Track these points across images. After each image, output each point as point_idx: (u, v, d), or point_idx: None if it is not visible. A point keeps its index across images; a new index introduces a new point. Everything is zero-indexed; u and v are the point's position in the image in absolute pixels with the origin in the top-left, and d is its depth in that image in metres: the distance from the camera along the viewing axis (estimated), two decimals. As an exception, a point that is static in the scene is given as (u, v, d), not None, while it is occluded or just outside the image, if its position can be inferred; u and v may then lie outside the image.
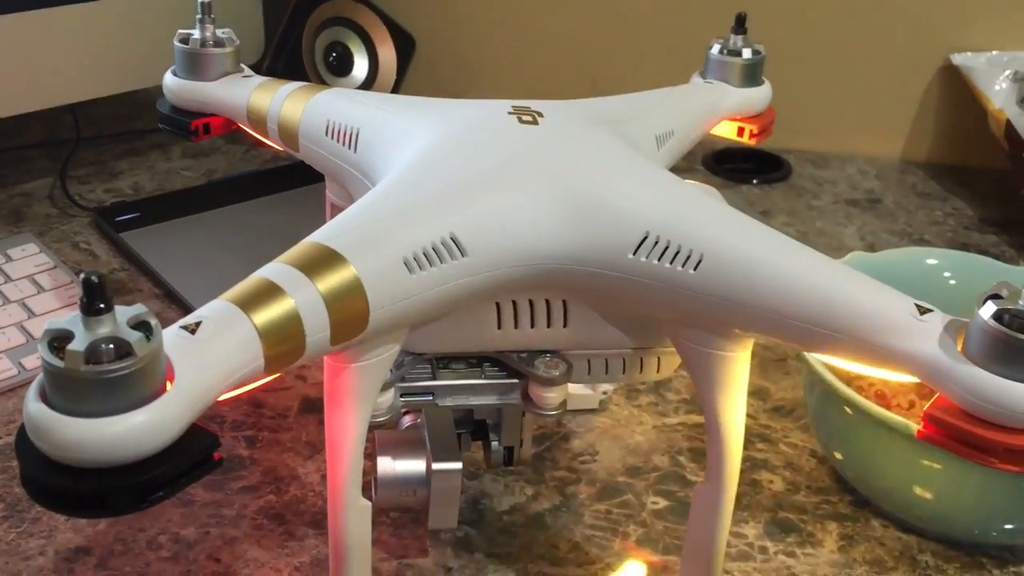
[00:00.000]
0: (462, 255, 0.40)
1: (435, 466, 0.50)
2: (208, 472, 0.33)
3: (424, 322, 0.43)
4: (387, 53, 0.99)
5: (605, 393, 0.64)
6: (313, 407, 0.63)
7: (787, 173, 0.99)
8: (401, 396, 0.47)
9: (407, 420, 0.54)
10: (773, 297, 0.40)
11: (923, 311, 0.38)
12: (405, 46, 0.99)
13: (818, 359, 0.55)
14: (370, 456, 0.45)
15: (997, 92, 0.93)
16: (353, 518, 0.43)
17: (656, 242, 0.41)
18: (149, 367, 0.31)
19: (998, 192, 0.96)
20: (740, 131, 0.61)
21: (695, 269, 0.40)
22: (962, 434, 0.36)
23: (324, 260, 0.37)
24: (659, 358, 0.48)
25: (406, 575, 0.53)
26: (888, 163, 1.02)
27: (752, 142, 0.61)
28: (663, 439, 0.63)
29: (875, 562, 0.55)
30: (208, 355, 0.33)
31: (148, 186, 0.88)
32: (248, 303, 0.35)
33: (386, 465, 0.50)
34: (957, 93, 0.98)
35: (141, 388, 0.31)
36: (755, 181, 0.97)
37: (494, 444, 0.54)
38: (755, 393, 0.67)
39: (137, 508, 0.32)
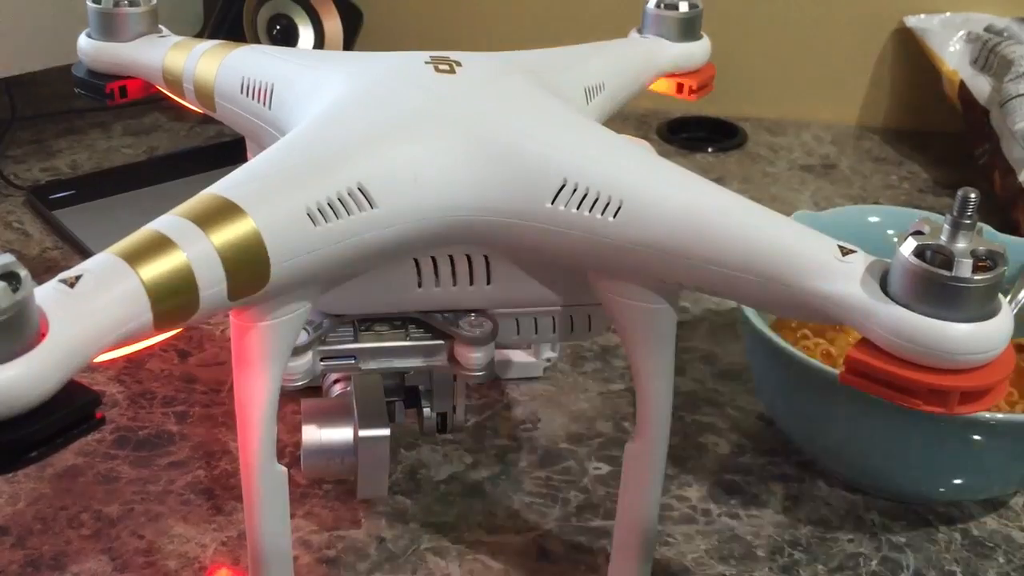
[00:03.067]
0: (371, 206, 0.38)
1: (361, 433, 0.48)
2: (88, 432, 0.31)
3: (336, 279, 0.41)
4: (333, 25, 0.96)
5: (549, 360, 0.63)
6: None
7: (742, 141, 0.98)
8: (322, 360, 0.45)
9: (338, 388, 0.53)
10: (694, 243, 0.38)
11: (845, 252, 0.37)
12: (351, 18, 0.97)
13: (759, 320, 0.54)
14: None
15: (951, 54, 0.92)
16: (267, 486, 0.41)
17: (575, 189, 0.39)
18: (16, 319, 0.29)
19: (953, 155, 0.95)
20: (679, 87, 0.59)
21: (614, 216, 0.39)
22: (885, 376, 0.34)
23: (220, 211, 0.36)
24: (589, 315, 0.47)
25: (337, 546, 0.51)
26: (844, 129, 1.01)
27: (691, 98, 0.60)
28: (607, 405, 0.61)
29: (820, 522, 0.54)
30: (87, 309, 0.31)
31: (87, 165, 0.86)
32: (135, 256, 0.33)
33: (311, 434, 0.49)
34: (912, 56, 0.97)
35: (9, 342, 0.29)
36: (710, 149, 0.96)
37: (426, 411, 0.52)
38: (704, 358, 0.66)
39: (9, 468, 0.30)
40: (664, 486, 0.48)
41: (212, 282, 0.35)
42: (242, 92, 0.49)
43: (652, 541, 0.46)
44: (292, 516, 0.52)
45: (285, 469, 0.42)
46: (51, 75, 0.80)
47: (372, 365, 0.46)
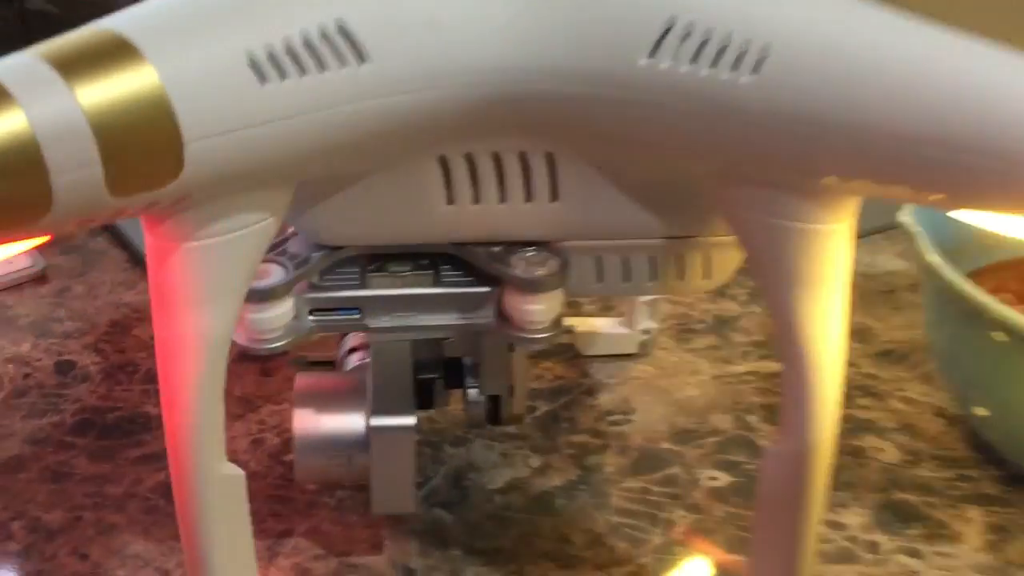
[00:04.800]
0: (359, 59, 0.24)
1: (373, 421, 0.34)
2: None
3: (313, 184, 0.27)
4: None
5: (646, 332, 0.48)
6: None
7: None
8: (311, 313, 0.31)
9: (354, 360, 0.39)
10: (887, 105, 0.23)
11: None
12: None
13: (951, 271, 0.38)
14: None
15: None
16: (207, 495, 0.27)
17: (687, 34, 0.24)
18: None
19: None
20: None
21: (754, 72, 0.23)
22: None
23: (102, 54, 0.22)
24: (708, 253, 0.31)
25: (346, 580, 0.37)
26: None
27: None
28: (726, 393, 0.46)
29: (1042, 566, 0.37)
30: None
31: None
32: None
33: (306, 420, 0.35)
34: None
35: None
36: None
37: (472, 392, 0.38)
38: (856, 333, 0.49)
39: None
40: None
41: (73, 162, 0.21)
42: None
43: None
44: (290, 534, 0.38)
45: (239, 472, 0.28)
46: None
47: (385, 322, 0.32)
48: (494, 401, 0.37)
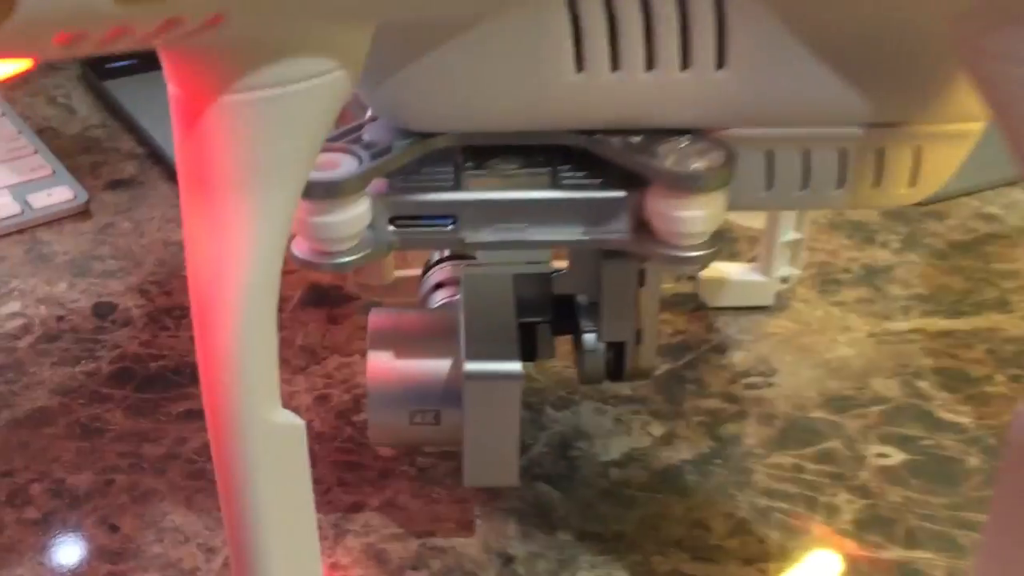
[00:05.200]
0: None
1: (468, 367, 0.27)
2: None
3: (393, 14, 0.20)
4: None
5: (785, 281, 0.40)
6: (322, 299, 0.41)
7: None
8: (392, 222, 0.24)
9: (441, 297, 0.31)
10: None
11: None
12: None
13: None
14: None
15: None
16: (256, 451, 0.20)
17: None
18: None
19: None
20: None
21: None
22: None
23: None
24: (919, 150, 0.23)
25: (431, 565, 0.30)
26: None
27: None
28: (888, 354, 0.38)
29: None
30: None
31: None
32: None
33: (382, 366, 0.28)
34: None
35: None
36: None
37: (588, 338, 0.30)
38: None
39: None
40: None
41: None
42: None
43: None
44: (361, 508, 0.31)
45: (299, 422, 0.21)
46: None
47: (486, 236, 0.24)
48: (617, 350, 0.30)
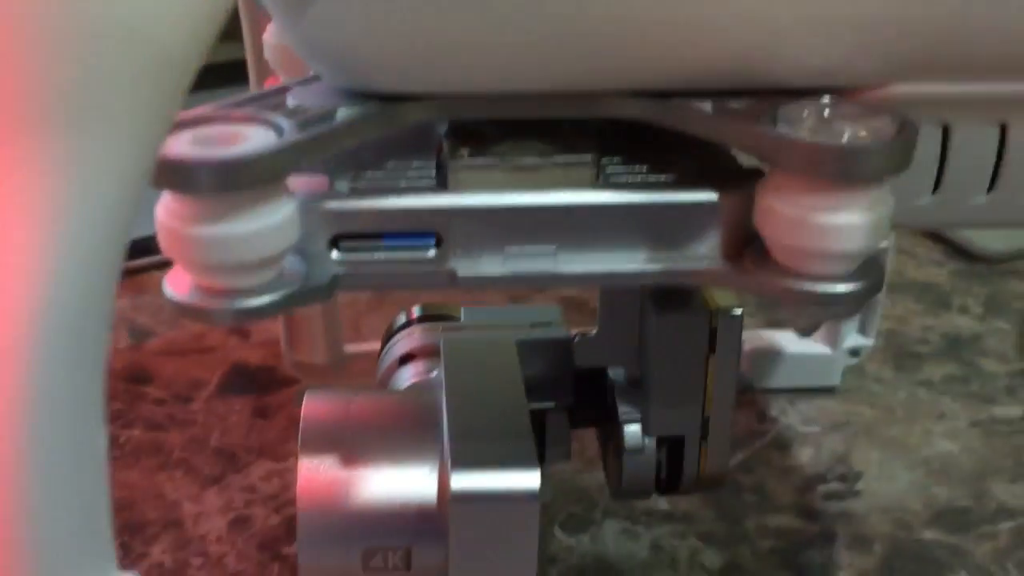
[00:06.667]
0: None
1: (456, 481, 0.17)
2: None
3: None
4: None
5: (855, 353, 0.31)
6: (247, 383, 0.31)
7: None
8: (335, 244, 0.14)
9: (409, 374, 0.22)
10: None
11: None
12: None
13: None
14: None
15: None
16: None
17: None
18: None
19: None
20: None
21: None
22: None
23: None
24: None
25: None
26: None
27: None
28: (1003, 449, 0.28)
29: None
30: None
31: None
32: None
33: (319, 479, 0.18)
34: None
35: None
36: None
37: (631, 433, 0.20)
38: None
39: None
40: None
41: None
42: None
43: None
44: None
45: None
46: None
47: (491, 268, 0.15)
48: (673, 449, 0.20)
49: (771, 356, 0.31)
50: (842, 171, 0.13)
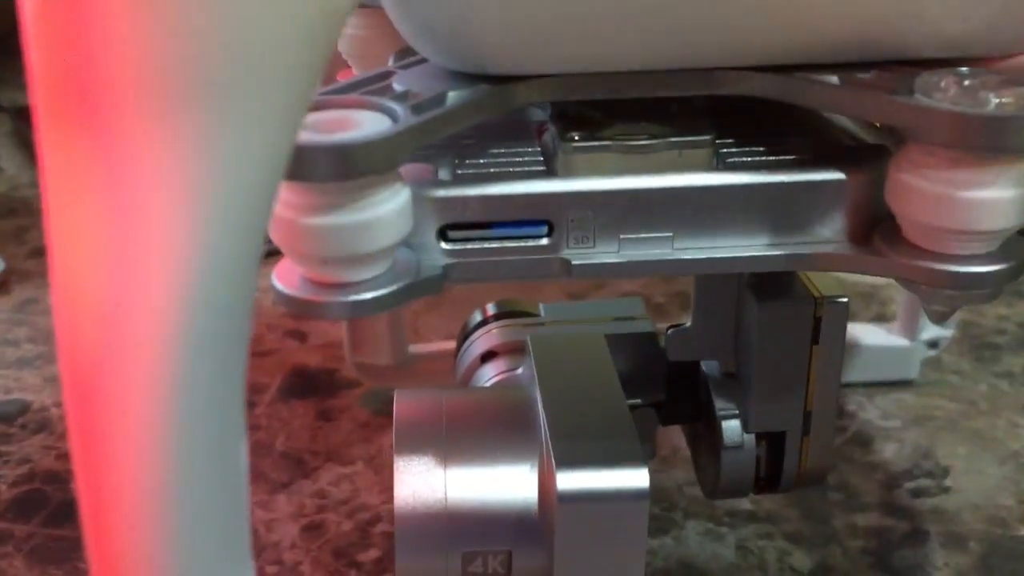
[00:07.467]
0: None
1: (562, 480, 0.16)
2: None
3: None
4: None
5: (934, 345, 0.30)
6: (309, 387, 0.30)
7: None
8: (443, 233, 0.14)
9: (491, 371, 0.21)
10: None
11: None
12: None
13: None
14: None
15: None
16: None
17: None
18: None
19: None
20: None
21: None
22: None
23: None
24: None
25: None
26: None
27: None
28: (1091, 440, 0.27)
29: None
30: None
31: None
32: None
33: (415, 484, 0.17)
34: None
35: None
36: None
37: (730, 429, 0.20)
38: None
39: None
40: None
41: None
42: None
43: None
44: None
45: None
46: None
47: (607, 256, 0.14)
48: (774, 445, 0.19)
49: (848, 349, 0.30)
50: (992, 142, 0.12)
